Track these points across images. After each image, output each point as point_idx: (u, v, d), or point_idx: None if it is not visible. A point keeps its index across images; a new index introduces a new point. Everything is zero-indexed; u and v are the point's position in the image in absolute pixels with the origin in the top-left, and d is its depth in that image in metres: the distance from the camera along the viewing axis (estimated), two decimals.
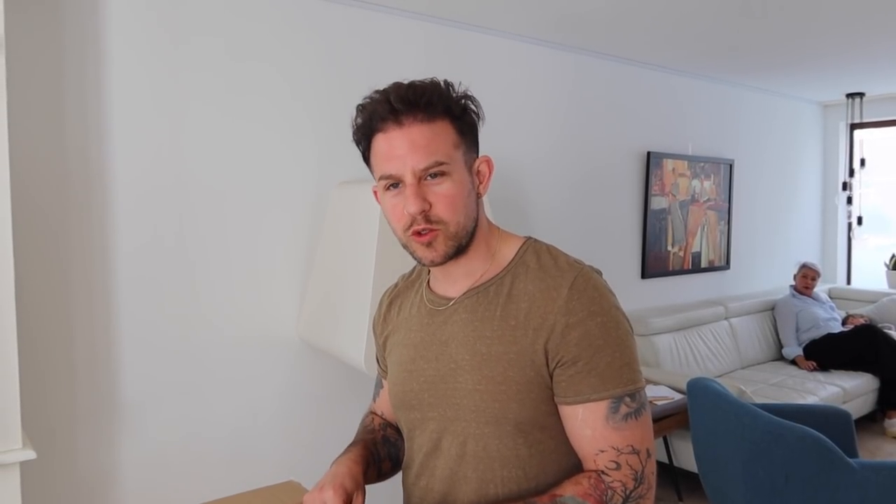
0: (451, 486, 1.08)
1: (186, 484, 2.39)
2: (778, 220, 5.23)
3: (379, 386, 1.34)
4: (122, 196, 2.26)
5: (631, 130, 4.03)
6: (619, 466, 0.99)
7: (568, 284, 1.03)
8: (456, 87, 1.08)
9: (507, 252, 1.11)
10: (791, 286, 4.81)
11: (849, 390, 4.10)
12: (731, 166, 4.70)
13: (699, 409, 2.65)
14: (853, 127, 5.46)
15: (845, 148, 5.56)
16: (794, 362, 4.53)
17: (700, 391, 2.63)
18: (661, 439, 3.45)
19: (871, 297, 5.18)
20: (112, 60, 2.22)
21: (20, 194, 2.03)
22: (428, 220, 1.02)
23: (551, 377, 1.02)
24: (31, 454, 1.77)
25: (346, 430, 2.75)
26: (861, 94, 5.03)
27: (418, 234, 1.03)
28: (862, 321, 4.74)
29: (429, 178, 1.01)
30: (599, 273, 1.09)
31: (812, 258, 5.34)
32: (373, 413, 1.34)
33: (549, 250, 1.10)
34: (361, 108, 1.07)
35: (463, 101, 1.07)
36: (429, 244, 1.03)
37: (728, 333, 4.44)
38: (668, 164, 4.27)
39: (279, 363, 2.63)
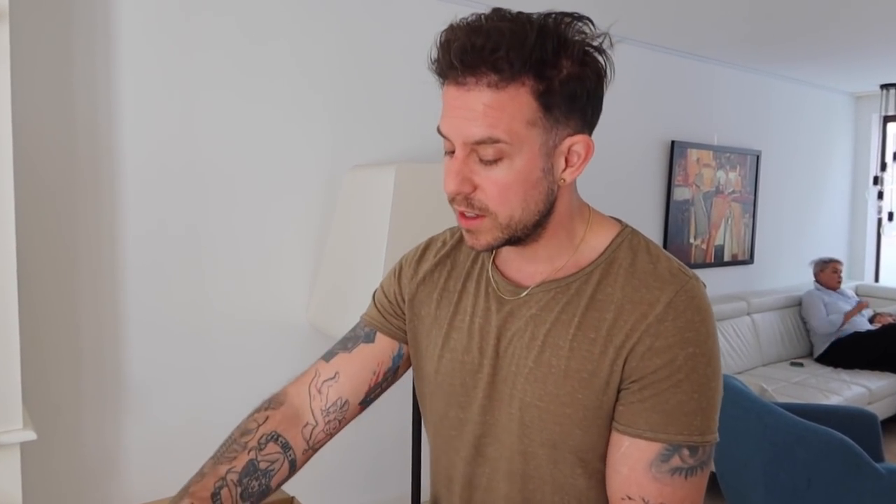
0: (489, 500, 0.95)
1: (190, 468, 2.35)
2: (805, 214, 5.09)
3: (364, 339, 1.06)
4: (131, 178, 2.22)
5: (655, 119, 3.93)
6: None
7: (666, 300, 0.84)
8: (587, 23, 0.84)
9: (598, 242, 0.92)
10: (815, 283, 4.68)
11: (875, 391, 3.98)
12: (757, 158, 4.57)
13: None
14: (887, 119, 5.29)
15: (878, 141, 5.39)
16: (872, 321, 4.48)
17: None
18: None
19: None
20: (122, 39, 2.18)
21: (28, 173, 2.00)
22: (470, 203, 0.85)
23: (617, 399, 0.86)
24: (31, 435, 1.74)
25: (377, 424, 2.71)
26: None
27: (462, 215, 0.87)
28: (890, 320, 4.60)
29: (482, 154, 0.82)
30: (704, 286, 0.89)
31: (839, 254, 5.20)
32: (277, 406, 1.04)
33: (648, 248, 0.91)
34: (438, 41, 0.85)
35: (582, 49, 0.82)
36: (471, 231, 0.88)
37: (750, 329, 4.33)
38: (693, 154, 4.16)
39: (288, 348, 2.59)
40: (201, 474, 0.97)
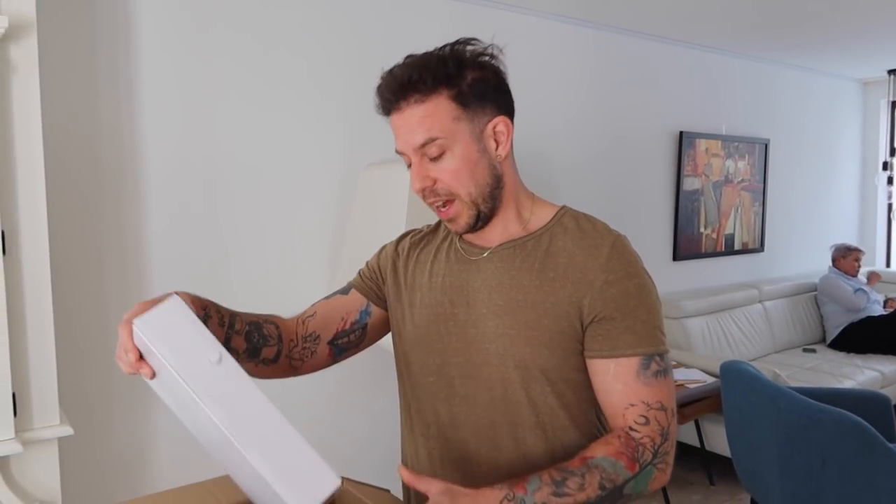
0: (478, 433, 1.09)
1: (216, 461, 2.42)
2: (814, 202, 5.11)
3: (341, 291, 1.26)
4: (153, 182, 2.28)
5: (663, 109, 3.96)
6: (647, 421, 1.01)
7: (609, 244, 1.06)
8: (476, 42, 1.08)
9: (543, 216, 1.14)
10: (830, 267, 4.68)
11: (888, 375, 4.01)
12: (766, 146, 4.59)
13: (733, 392, 2.61)
14: (895, 105, 5.29)
15: (886, 127, 5.38)
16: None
17: (734, 374, 2.59)
18: (692, 423, 3.42)
19: None
20: (142, 50, 2.24)
21: (57, 180, 2.06)
22: (436, 193, 1.06)
23: (584, 331, 1.05)
24: (68, 430, 1.81)
25: (370, 411, 2.78)
26: None
27: (438, 209, 1.08)
28: None
29: (429, 155, 1.04)
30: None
31: (850, 240, 5.20)
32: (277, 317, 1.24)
33: (585, 216, 1.14)
34: (375, 91, 1.10)
35: (478, 59, 1.07)
36: (451, 219, 1.08)
37: (762, 317, 4.36)
38: (702, 144, 4.18)
39: None
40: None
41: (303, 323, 1.24)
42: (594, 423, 1.11)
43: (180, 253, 2.35)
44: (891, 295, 4.82)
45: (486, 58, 1.08)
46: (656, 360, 1.03)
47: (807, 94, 4.91)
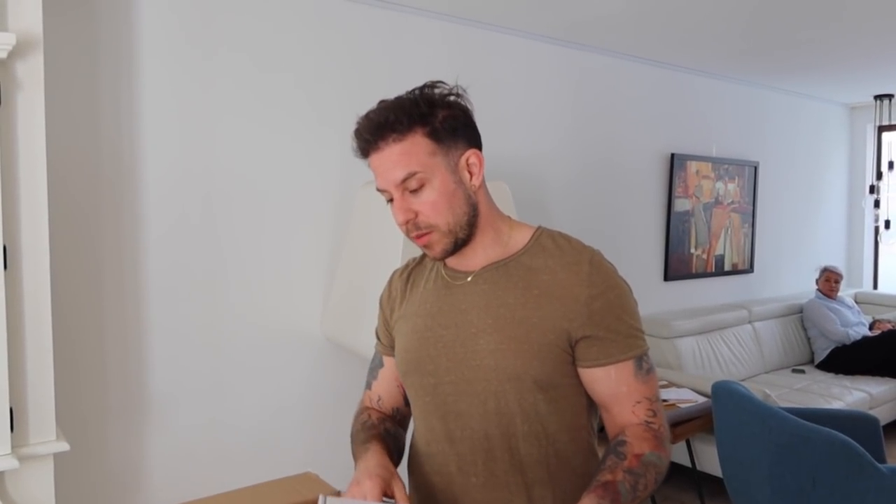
0: (473, 445, 1.16)
1: (211, 474, 2.42)
2: (803, 224, 5.18)
3: (379, 366, 1.36)
4: (152, 200, 2.30)
5: (655, 132, 4.02)
6: (655, 413, 1.13)
7: (587, 260, 1.15)
8: (442, 84, 1.16)
9: (521, 238, 1.21)
10: (816, 290, 4.76)
11: (876, 396, 4.05)
12: (755, 168, 4.66)
13: (724, 411, 2.63)
14: (881, 129, 5.39)
15: (873, 150, 5.48)
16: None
17: (725, 394, 2.62)
18: (683, 443, 3.43)
19: None
20: (144, 72, 2.26)
21: (57, 196, 2.07)
22: (417, 226, 1.13)
23: (574, 344, 1.12)
24: (64, 446, 1.81)
25: None
26: (890, 96, 4.97)
27: (417, 237, 1.15)
28: (889, 326, 4.67)
29: (410, 189, 1.12)
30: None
31: (837, 262, 5.27)
32: (367, 409, 1.36)
33: (561, 234, 1.22)
34: (353, 135, 1.18)
35: (446, 99, 1.15)
36: (427, 245, 1.16)
37: (751, 337, 4.40)
38: (692, 166, 4.24)
39: (303, 359, 2.65)
40: (362, 436, 1.25)
41: (380, 410, 1.35)
42: (584, 425, 1.19)
43: (178, 269, 2.36)
44: (878, 317, 4.89)
45: (454, 97, 1.16)
46: (645, 359, 1.15)
47: (795, 118, 5.00)
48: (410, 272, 1.32)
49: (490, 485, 1.15)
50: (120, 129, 2.24)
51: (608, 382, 1.13)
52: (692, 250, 4.32)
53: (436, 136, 1.12)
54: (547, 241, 1.20)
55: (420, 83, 1.17)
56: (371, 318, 2.34)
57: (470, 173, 1.16)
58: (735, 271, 4.62)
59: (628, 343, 1.13)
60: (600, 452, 1.19)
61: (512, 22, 3.09)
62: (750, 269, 4.72)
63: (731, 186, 4.52)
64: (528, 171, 3.33)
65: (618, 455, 1.08)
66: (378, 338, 1.37)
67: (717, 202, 4.45)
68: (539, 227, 1.24)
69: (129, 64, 2.24)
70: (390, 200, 1.16)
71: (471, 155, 1.16)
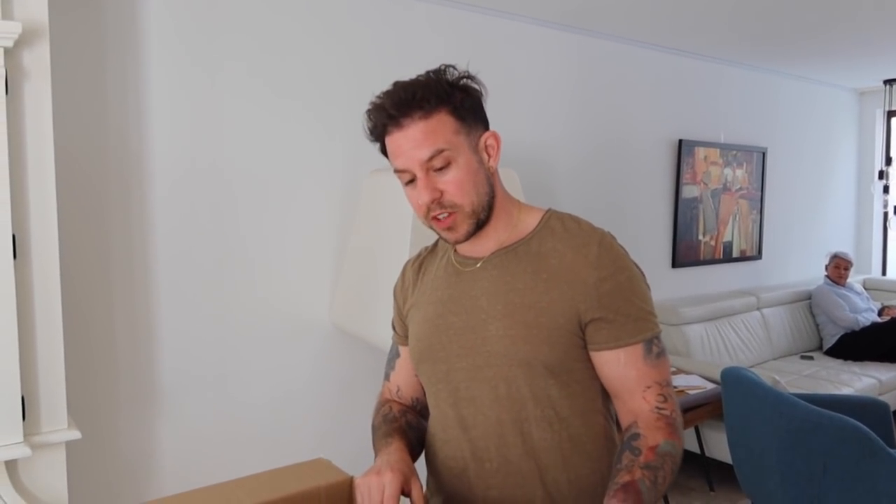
0: (486, 431, 1.15)
1: (221, 462, 2.43)
2: (811, 210, 5.15)
3: (396, 356, 1.36)
4: (159, 189, 2.30)
5: (663, 118, 3.99)
6: (666, 399, 1.11)
7: (596, 242, 1.13)
8: (456, 67, 1.14)
9: (530, 221, 1.20)
10: (825, 276, 4.74)
11: (885, 382, 4.03)
12: (763, 154, 4.63)
13: (734, 398, 2.63)
14: (890, 114, 5.34)
15: (882, 136, 5.44)
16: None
17: (735, 380, 2.61)
18: (692, 429, 3.43)
19: None
20: (150, 58, 2.25)
21: (65, 186, 2.07)
22: (442, 205, 1.11)
23: (584, 327, 1.11)
24: (76, 434, 1.81)
25: (371, 408, 2.78)
26: None
27: (437, 219, 1.12)
28: None
29: (435, 168, 1.09)
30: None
31: (846, 248, 5.24)
32: (388, 401, 1.35)
33: (570, 217, 1.20)
34: (368, 114, 1.15)
35: (461, 82, 1.13)
36: (450, 228, 1.13)
37: (760, 324, 4.39)
38: (700, 153, 4.22)
39: (312, 348, 2.66)
40: (384, 429, 1.25)
41: (399, 400, 1.35)
42: (600, 409, 1.18)
43: (187, 257, 2.36)
44: (887, 303, 4.86)
45: (468, 80, 1.15)
46: (655, 342, 1.13)
47: (804, 103, 4.96)
48: (422, 261, 1.31)
49: (504, 470, 1.15)
50: (128, 118, 2.23)
51: (617, 366, 1.12)
52: (700, 237, 4.30)
53: (460, 115, 1.11)
54: (556, 224, 1.18)
55: (427, 68, 1.16)
56: (379, 306, 2.35)
57: (488, 154, 1.16)
58: (743, 258, 4.60)
59: (638, 326, 1.11)
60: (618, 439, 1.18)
61: (519, 8, 3.07)
62: (758, 256, 4.70)
63: (739, 172, 4.49)
64: (535, 157, 3.32)
65: (633, 451, 1.06)
66: (394, 328, 1.37)
67: (726, 188, 4.43)
68: (548, 210, 1.23)
69: (136, 52, 2.23)
70: (410, 182, 1.13)
71: (489, 136, 1.16)
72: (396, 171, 1.14)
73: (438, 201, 1.10)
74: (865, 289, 5.04)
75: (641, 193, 3.94)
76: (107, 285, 2.22)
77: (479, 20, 3.04)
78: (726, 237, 4.47)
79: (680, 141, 4.07)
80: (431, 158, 1.09)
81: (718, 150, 4.33)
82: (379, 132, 1.14)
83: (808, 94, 4.98)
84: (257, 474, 1.04)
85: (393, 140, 1.12)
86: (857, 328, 4.43)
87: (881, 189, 4.96)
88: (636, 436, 1.08)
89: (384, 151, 1.17)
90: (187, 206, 2.35)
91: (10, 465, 1.74)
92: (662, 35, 3.62)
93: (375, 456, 1.18)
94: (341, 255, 2.69)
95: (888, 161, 5.03)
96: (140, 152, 2.26)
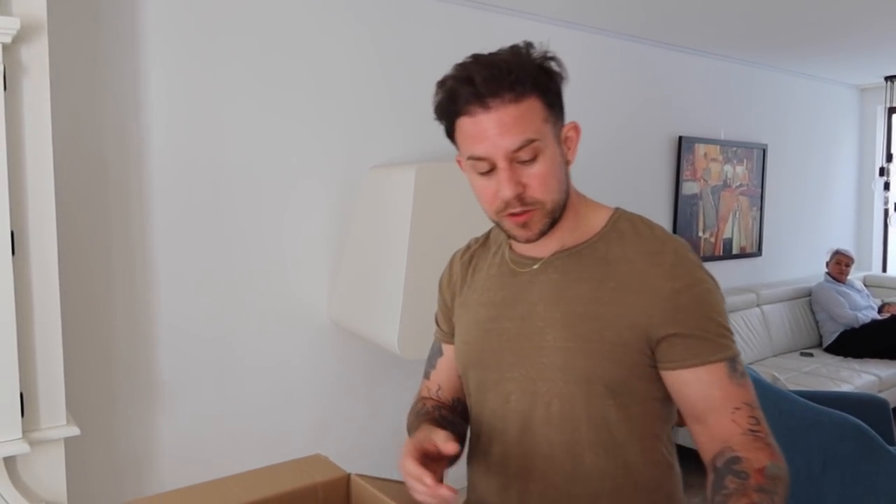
0: (533, 449, 1.05)
1: (220, 458, 2.44)
2: (812, 206, 5.14)
3: (438, 354, 1.25)
4: (158, 185, 2.29)
5: (663, 115, 3.98)
6: (759, 421, 0.98)
7: (672, 250, 1.02)
8: (536, 46, 1.01)
9: (597, 220, 1.08)
10: (826, 273, 4.74)
11: (885, 379, 4.03)
12: (764, 151, 4.62)
13: None
14: (892, 111, 5.33)
15: (883, 132, 5.43)
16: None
17: None
18: None
19: None
20: (149, 55, 2.25)
21: (63, 182, 2.07)
22: (523, 201, 0.99)
23: (655, 343, 1.00)
24: (75, 430, 1.81)
25: (373, 409, 2.79)
26: None
27: (511, 215, 1.00)
28: None
29: (521, 159, 0.97)
30: None
31: (847, 245, 5.24)
32: (423, 399, 1.24)
33: (641, 219, 1.08)
34: (442, 86, 1.00)
35: (547, 63, 1.00)
36: (524, 224, 1.01)
37: (760, 321, 4.38)
38: (700, 149, 4.21)
39: (310, 345, 2.66)
40: (414, 425, 1.13)
41: (442, 398, 1.24)
42: (659, 436, 1.06)
43: (186, 253, 2.35)
44: (887, 300, 4.86)
45: (553, 62, 1.02)
46: (738, 360, 1.01)
47: (804, 99, 4.95)
48: (473, 254, 1.20)
49: (549, 495, 1.05)
50: (126, 114, 2.23)
51: (699, 386, 0.99)
52: (700, 233, 4.30)
53: (548, 101, 0.99)
54: (625, 226, 1.06)
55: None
56: (378, 302, 2.35)
57: (567, 147, 1.04)
58: (743, 255, 4.60)
59: (720, 343, 0.99)
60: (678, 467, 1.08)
61: (518, 4, 3.06)
62: (758, 253, 4.70)
63: (739, 169, 4.49)
64: None
65: (737, 475, 0.93)
66: (437, 324, 1.27)
67: (726, 185, 4.42)
68: (616, 209, 1.10)
69: (135, 48, 2.23)
70: (487, 172, 0.99)
71: (571, 128, 1.05)
72: (471, 157, 1.00)
73: (520, 197, 0.98)
74: (866, 285, 5.04)
75: (641, 190, 3.93)
76: (105, 281, 2.22)
77: (479, 16, 3.03)
78: (726, 234, 4.47)
79: (680, 137, 4.06)
80: (520, 149, 0.96)
81: (719, 147, 4.33)
82: (454, 110, 0.99)
83: (809, 90, 4.97)
84: (254, 470, 1.04)
85: (475, 123, 0.97)
86: (857, 325, 4.43)
87: (882, 186, 4.95)
88: (736, 459, 0.95)
89: (450, 132, 1.03)
90: (186, 202, 2.35)
91: (9, 462, 1.74)
92: (662, 32, 3.61)
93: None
94: (340, 251, 2.69)
95: (889, 158, 5.02)
96: (139, 148, 2.25)
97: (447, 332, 1.23)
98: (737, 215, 4.52)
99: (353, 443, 2.77)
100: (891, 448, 2.16)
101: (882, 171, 4.95)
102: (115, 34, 2.19)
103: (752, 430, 0.97)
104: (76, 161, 2.14)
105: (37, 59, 1.72)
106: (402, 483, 1.03)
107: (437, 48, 2.84)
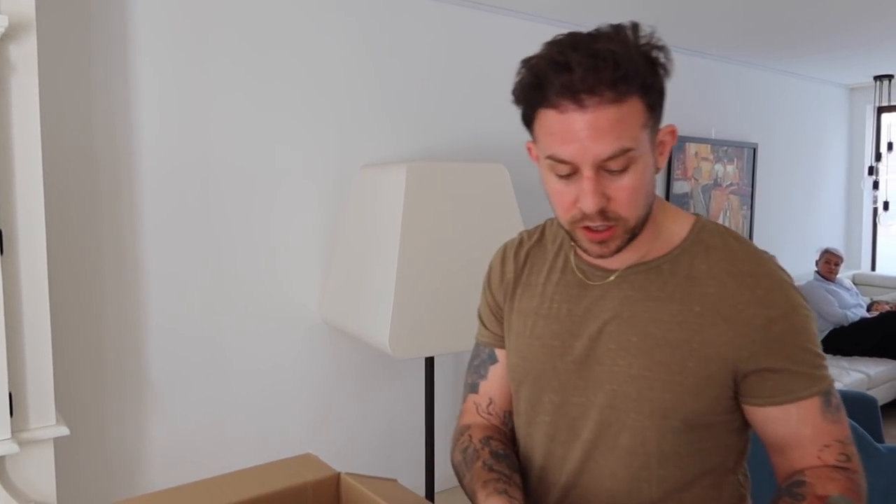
0: (595, 482, 0.96)
1: (211, 457, 2.43)
2: (802, 205, 5.17)
3: (490, 361, 1.11)
4: (148, 184, 2.29)
5: None
6: (849, 458, 0.91)
7: (767, 273, 0.91)
8: (643, 34, 0.88)
9: (678, 228, 0.97)
10: (815, 271, 4.77)
11: (874, 377, 4.06)
12: (754, 150, 4.64)
13: None
14: (881, 110, 5.37)
15: (872, 131, 5.47)
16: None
17: None
18: None
19: None
20: (138, 51, 2.24)
21: (51, 181, 2.06)
22: (605, 216, 0.87)
23: (741, 377, 0.91)
24: (64, 430, 1.80)
25: (365, 408, 2.79)
26: (890, 77, 4.94)
27: (588, 229, 0.89)
28: (887, 308, 4.68)
29: (610, 169, 0.85)
30: None
31: (836, 244, 5.27)
32: (467, 428, 1.10)
33: (729, 232, 0.97)
34: (529, 66, 0.87)
35: (654, 53, 0.86)
36: (602, 241, 0.89)
37: None
38: (691, 148, 4.23)
39: (301, 344, 2.66)
40: (471, 477, 1.00)
41: (490, 415, 1.12)
42: (732, 469, 0.98)
43: (176, 252, 2.35)
44: (876, 298, 4.89)
45: (660, 52, 0.88)
46: (832, 392, 0.92)
47: (794, 99, 4.97)
48: (528, 252, 1.08)
49: None
50: (116, 113, 2.22)
51: (787, 423, 0.91)
52: None
53: (650, 102, 0.85)
54: (713, 239, 0.94)
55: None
56: (370, 302, 2.35)
57: (659, 152, 0.91)
58: None
59: (813, 376, 0.90)
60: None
61: (510, 2, 3.06)
62: None
63: (730, 168, 4.51)
64: (525, 152, 3.32)
65: (794, 497, 0.87)
66: (483, 324, 1.13)
67: (716, 184, 4.44)
68: (698, 218, 0.98)
69: (124, 46, 2.22)
70: (567, 175, 0.86)
71: (668, 132, 0.92)
72: (552, 158, 0.86)
73: (603, 210, 0.86)
74: (855, 284, 5.07)
75: None
76: (95, 281, 2.21)
77: (470, 14, 3.03)
78: None
79: None
80: (612, 158, 0.83)
81: (709, 146, 4.34)
82: (540, 98, 0.85)
83: (799, 90, 4.99)
84: (244, 470, 1.04)
85: (564, 120, 0.83)
86: (846, 324, 4.46)
87: (871, 185, 4.98)
88: (800, 483, 0.89)
89: (528, 119, 0.90)
90: (176, 201, 2.34)
91: None
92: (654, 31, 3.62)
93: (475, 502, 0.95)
94: (331, 250, 2.69)
95: (878, 157, 5.06)
96: (128, 146, 2.25)
97: (498, 335, 1.10)
98: (727, 214, 4.54)
99: (344, 442, 2.77)
100: (880, 446, 2.17)
101: (871, 171, 4.98)
102: (105, 31, 2.18)
103: (839, 468, 0.91)
104: (65, 160, 2.13)
105: (25, 58, 1.71)
106: (392, 481, 1.03)
107: (429, 47, 2.84)
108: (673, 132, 0.92)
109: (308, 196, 2.63)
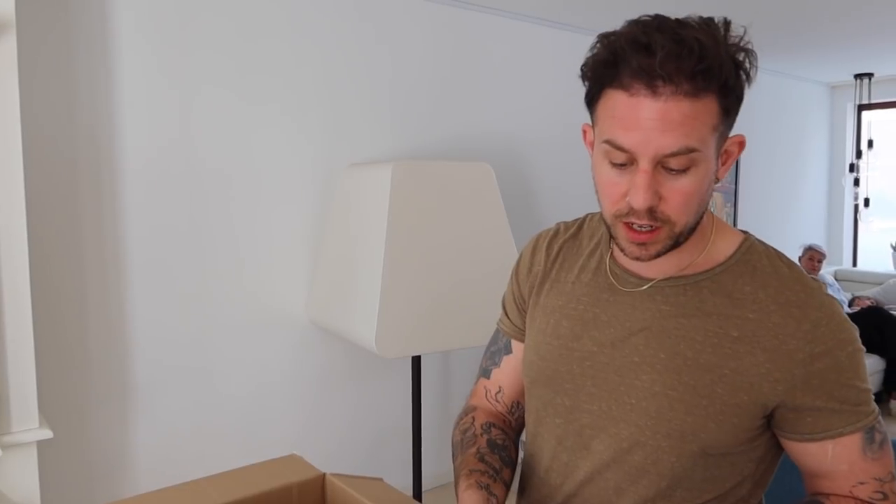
0: (596, 494, 0.93)
1: (196, 459, 2.42)
2: (784, 202, 5.22)
3: (505, 351, 1.09)
4: (131, 181, 2.27)
5: None
6: (885, 497, 0.87)
7: (816, 305, 0.85)
8: (730, 29, 0.82)
9: (724, 245, 0.91)
10: None
11: None
12: None
13: None
14: (861, 108, 5.43)
15: (853, 129, 5.53)
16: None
17: None
18: None
19: (877, 279, 5.18)
20: (121, 44, 2.22)
21: (33, 180, 2.04)
22: (653, 216, 0.81)
23: (774, 409, 0.86)
24: (48, 433, 1.79)
25: (353, 408, 2.79)
26: (870, 75, 5.00)
27: (631, 227, 0.83)
28: (868, 303, 4.74)
29: (669, 167, 0.79)
30: None
31: (818, 240, 5.33)
32: (472, 411, 1.08)
33: (778, 254, 0.91)
34: (606, 41, 0.82)
35: (740, 55, 0.81)
36: (644, 243, 0.84)
37: None
38: None
39: (288, 344, 2.65)
40: (461, 460, 0.99)
41: (497, 402, 1.10)
42: (745, 496, 0.93)
43: (159, 253, 2.34)
44: (857, 294, 4.95)
45: (748, 55, 0.82)
46: (877, 429, 0.86)
47: (776, 97, 5.02)
48: (562, 245, 1.03)
49: None
50: (98, 113, 2.20)
51: (823, 459, 0.86)
52: None
53: (726, 105, 0.79)
54: (760, 261, 0.89)
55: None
56: (356, 301, 2.35)
57: (722, 162, 0.85)
58: None
59: (856, 413, 0.85)
60: None
61: (500, 3, 3.07)
62: None
63: None
64: (513, 151, 3.33)
65: None
66: (505, 312, 1.10)
67: None
68: (747, 236, 0.92)
69: (105, 46, 2.20)
70: (621, 164, 0.81)
71: (736, 142, 0.85)
72: (609, 142, 0.80)
73: (651, 209, 0.81)
74: (836, 280, 5.13)
75: None
76: (78, 281, 2.20)
77: (461, 15, 3.03)
78: None
79: None
80: (676, 154, 0.77)
81: None
82: (611, 76, 0.80)
83: (781, 88, 5.04)
84: (229, 471, 1.04)
85: (632, 104, 0.77)
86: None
87: (852, 182, 5.04)
88: (816, 502, 0.87)
89: (593, 98, 0.85)
90: (161, 201, 2.33)
91: None
92: None
93: (456, 491, 0.92)
94: (317, 249, 2.68)
95: (859, 154, 5.12)
96: (111, 147, 2.23)
97: (519, 327, 1.07)
98: (711, 211, 4.58)
99: (332, 442, 2.77)
100: None
101: (852, 168, 5.04)
102: (86, 31, 2.17)
103: (868, 502, 0.87)
104: (47, 160, 2.12)
105: (5, 58, 1.69)
106: (377, 480, 1.03)
107: (417, 46, 2.84)
108: (742, 143, 0.87)
109: (293, 195, 2.63)
